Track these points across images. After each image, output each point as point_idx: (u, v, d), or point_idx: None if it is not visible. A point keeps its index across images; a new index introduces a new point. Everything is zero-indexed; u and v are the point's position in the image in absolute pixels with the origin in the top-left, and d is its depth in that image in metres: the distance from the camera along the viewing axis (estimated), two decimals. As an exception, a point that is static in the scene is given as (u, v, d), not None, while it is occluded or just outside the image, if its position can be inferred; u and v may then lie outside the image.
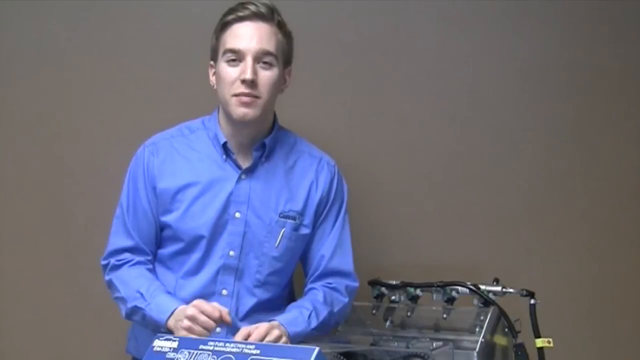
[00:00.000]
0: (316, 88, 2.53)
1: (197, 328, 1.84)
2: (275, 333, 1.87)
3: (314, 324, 2.01)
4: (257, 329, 1.86)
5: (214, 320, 1.85)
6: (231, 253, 2.03)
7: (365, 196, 2.51)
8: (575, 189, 2.62)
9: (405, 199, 2.56)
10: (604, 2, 2.62)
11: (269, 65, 1.98)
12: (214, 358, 1.75)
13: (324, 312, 2.04)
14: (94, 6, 2.47)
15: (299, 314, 1.99)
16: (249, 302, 2.06)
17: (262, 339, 1.84)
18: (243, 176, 2.05)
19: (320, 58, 2.52)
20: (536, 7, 2.60)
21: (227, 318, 1.87)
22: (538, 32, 2.61)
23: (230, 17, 1.99)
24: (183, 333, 1.85)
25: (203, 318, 1.84)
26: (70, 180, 2.46)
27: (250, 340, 1.83)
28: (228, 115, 2.01)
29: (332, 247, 2.11)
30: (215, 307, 1.86)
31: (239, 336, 1.85)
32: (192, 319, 1.85)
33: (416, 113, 2.58)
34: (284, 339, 1.90)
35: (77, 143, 2.47)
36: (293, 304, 2.06)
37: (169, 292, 1.99)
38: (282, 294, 2.13)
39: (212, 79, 2.05)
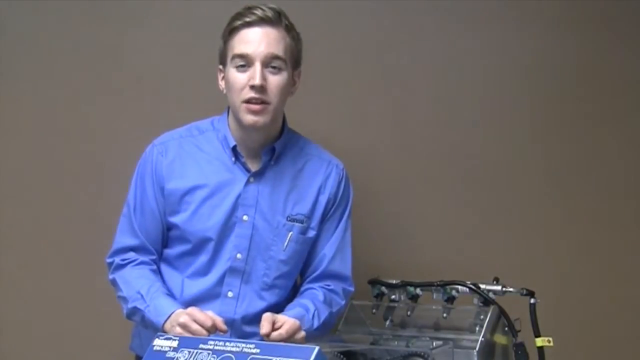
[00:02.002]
0: (316, 88, 2.52)
1: (189, 336, 1.82)
2: (302, 334, 1.88)
3: (316, 324, 2.01)
4: (289, 324, 1.85)
5: (207, 329, 1.83)
6: (238, 256, 2.03)
7: (366, 196, 2.50)
8: (576, 189, 2.62)
9: (405, 198, 2.56)
10: (604, 2, 2.62)
11: (277, 69, 1.98)
12: (214, 357, 1.75)
13: (325, 313, 2.05)
14: (95, 6, 2.47)
15: (305, 312, 1.99)
16: (257, 305, 2.05)
17: (292, 336, 1.84)
18: (251, 179, 2.04)
19: (319, 58, 2.51)
20: (536, 7, 2.61)
21: (222, 327, 1.86)
22: (538, 32, 2.62)
23: (238, 22, 1.98)
24: None
25: (195, 327, 1.83)
26: (71, 179, 2.46)
27: (281, 333, 1.82)
28: (239, 121, 2.01)
29: (334, 249, 2.11)
30: (208, 316, 1.85)
31: (265, 321, 1.83)
32: (184, 326, 1.84)
33: (416, 113, 2.58)
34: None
35: (78, 142, 2.47)
36: (294, 303, 2.05)
37: (169, 295, 1.98)
38: (288, 297, 2.13)
39: (221, 83, 2.05)
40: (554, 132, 2.62)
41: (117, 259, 2.05)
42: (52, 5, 2.47)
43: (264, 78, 1.95)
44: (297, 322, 1.88)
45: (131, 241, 2.05)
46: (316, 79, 2.52)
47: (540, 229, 2.59)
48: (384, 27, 2.57)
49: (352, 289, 2.15)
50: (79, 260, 2.43)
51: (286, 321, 1.86)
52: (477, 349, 2.02)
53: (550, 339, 2.12)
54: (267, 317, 1.85)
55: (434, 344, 2.02)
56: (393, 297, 2.27)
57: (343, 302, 2.13)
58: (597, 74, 2.64)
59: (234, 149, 2.04)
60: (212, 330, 1.84)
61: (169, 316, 1.89)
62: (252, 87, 1.95)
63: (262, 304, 2.06)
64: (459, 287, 2.18)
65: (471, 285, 2.16)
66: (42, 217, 2.46)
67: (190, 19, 2.48)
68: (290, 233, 2.05)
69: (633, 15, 2.65)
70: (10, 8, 2.46)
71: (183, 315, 1.85)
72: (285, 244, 2.05)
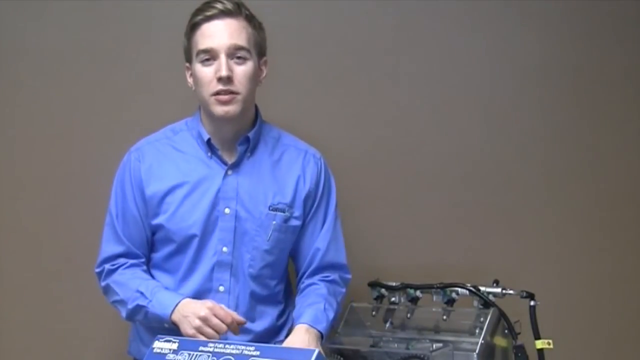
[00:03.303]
0: (316, 88, 2.52)
1: (208, 330, 1.86)
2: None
3: (331, 315, 2.03)
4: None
5: (227, 324, 1.87)
6: (224, 249, 2.04)
7: (365, 197, 2.51)
8: (575, 189, 2.62)
9: (405, 200, 2.55)
10: (605, 3, 2.62)
11: (242, 59, 1.99)
12: (214, 359, 1.75)
13: (334, 303, 2.06)
14: (92, 7, 2.47)
15: (316, 310, 2.00)
16: (246, 297, 2.06)
17: None
18: (229, 172, 2.05)
19: (317, 58, 2.52)
20: (536, 8, 2.60)
21: (240, 319, 1.91)
22: (538, 32, 2.61)
23: (199, 17, 2.00)
24: (191, 332, 1.87)
25: (215, 321, 1.87)
26: (70, 180, 2.46)
27: None
28: (210, 114, 2.02)
29: (327, 241, 2.12)
30: (228, 313, 1.89)
31: None
32: (204, 320, 1.87)
33: (416, 113, 2.57)
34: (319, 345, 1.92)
35: (77, 143, 2.47)
36: (302, 304, 2.05)
37: (167, 288, 2.01)
38: (278, 287, 2.13)
39: (190, 80, 2.06)
40: (553, 133, 2.62)
41: (107, 266, 2.06)
42: (50, 5, 2.46)
43: (230, 69, 1.97)
44: (306, 341, 1.90)
45: (117, 248, 2.06)
46: (317, 80, 2.52)
47: (540, 231, 2.59)
48: (380, 26, 2.57)
49: (349, 276, 2.17)
50: (75, 264, 2.42)
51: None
52: (477, 351, 2.02)
53: (550, 341, 2.12)
54: None
55: (434, 346, 2.03)
56: (393, 299, 2.27)
57: (344, 290, 2.15)
58: (597, 74, 2.63)
59: (208, 142, 2.05)
60: (232, 326, 1.88)
61: (175, 306, 1.92)
62: (220, 79, 1.96)
63: (252, 296, 2.06)
64: (459, 289, 2.18)
65: (471, 288, 2.16)
66: (39, 218, 2.45)
67: (184, 21, 2.47)
68: (274, 222, 2.06)
69: (633, 15, 2.64)
70: (10, 8, 2.45)
71: (203, 309, 1.88)
72: (269, 233, 2.06)
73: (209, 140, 2.04)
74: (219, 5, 1.98)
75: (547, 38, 2.61)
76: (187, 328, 1.88)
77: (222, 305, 1.91)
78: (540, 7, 2.60)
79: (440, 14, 2.57)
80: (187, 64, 2.06)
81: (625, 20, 2.64)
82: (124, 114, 2.47)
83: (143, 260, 2.07)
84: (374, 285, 2.30)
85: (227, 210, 2.03)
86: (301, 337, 1.92)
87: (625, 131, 2.64)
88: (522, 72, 2.60)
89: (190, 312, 1.89)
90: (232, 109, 1.98)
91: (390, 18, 2.56)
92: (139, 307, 1.97)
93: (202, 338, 1.86)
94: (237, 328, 1.90)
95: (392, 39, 2.57)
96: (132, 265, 2.05)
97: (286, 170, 2.09)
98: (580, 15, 2.62)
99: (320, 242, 2.12)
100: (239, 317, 1.91)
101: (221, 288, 2.04)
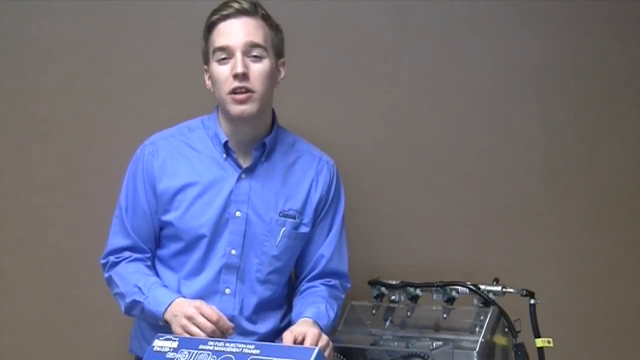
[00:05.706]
0: (316, 88, 2.53)
1: (194, 329, 1.85)
2: (325, 339, 1.88)
3: (332, 316, 2.03)
4: (310, 337, 1.84)
5: (213, 322, 1.86)
6: (233, 252, 2.04)
7: (365, 196, 2.51)
8: (575, 188, 2.62)
9: (405, 199, 2.56)
10: (605, 3, 2.62)
11: (259, 58, 1.99)
12: (213, 358, 1.76)
13: (334, 306, 2.07)
14: (93, 6, 2.47)
15: (318, 309, 2.00)
16: (252, 301, 2.06)
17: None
18: (243, 175, 2.05)
19: (319, 58, 2.52)
20: (536, 7, 2.60)
21: (228, 323, 1.89)
22: (538, 32, 2.61)
23: (215, 17, 2.00)
24: (179, 330, 1.87)
25: (201, 319, 1.86)
26: (71, 179, 2.46)
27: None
28: (227, 114, 2.02)
29: (332, 249, 2.12)
30: (214, 311, 1.88)
31: (286, 342, 1.84)
32: (190, 318, 1.86)
33: (416, 113, 2.58)
34: (330, 344, 1.90)
35: (78, 142, 2.47)
36: (303, 302, 2.05)
37: (166, 286, 2.00)
38: (282, 292, 2.14)
39: (208, 82, 2.06)
40: (553, 132, 2.62)
41: (112, 258, 2.06)
42: (50, 5, 2.47)
43: (245, 66, 1.96)
44: (314, 332, 1.87)
45: (124, 242, 2.06)
46: (318, 80, 2.52)
47: (540, 229, 2.59)
48: (382, 26, 2.57)
49: (349, 285, 2.17)
50: (76, 262, 2.42)
51: (307, 333, 1.86)
52: (477, 349, 2.02)
53: (550, 339, 2.12)
54: (287, 338, 1.86)
55: (434, 344, 2.03)
56: (393, 297, 2.27)
57: (343, 297, 2.16)
58: (597, 74, 2.63)
59: (225, 144, 2.05)
60: (220, 325, 1.86)
61: (169, 305, 1.92)
62: (236, 77, 1.96)
63: (255, 299, 2.06)
64: (459, 287, 2.18)
65: (471, 286, 2.17)
66: (40, 218, 2.46)
67: (187, 20, 2.47)
68: (283, 229, 2.06)
69: (633, 15, 2.65)
70: (10, 8, 2.45)
71: (190, 308, 1.88)
72: (278, 239, 2.06)
73: (226, 142, 2.04)
74: (235, 5, 1.98)
75: (547, 38, 2.62)
76: (176, 327, 1.88)
77: (213, 306, 1.90)
78: (540, 7, 2.60)
79: (439, 15, 2.58)
80: (205, 67, 2.05)
81: (625, 20, 2.65)
82: (124, 113, 2.47)
83: (148, 255, 2.07)
84: (374, 283, 2.31)
85: (238, 214, 2.03)
86: (310, 327, 1.90)
87: (625, 131, 2.65)
88: (522, 72, 2.61)
89: (179, 311, 1.89)
90: (248, 108, 1.98)
91: (390, 18, 2.57)
92: (135, 302, 1.97)
93: (187, 336, 1.85)
94: (227, 327, 1.88)
95: (391, 40, 2.58)
96: (136, 260, 2.05)
97: (299, 177, 2.10)
98: (580, 15, 2.62)
99: (325, 249, 2.12)
100: (227, 321, 1.89)
101: (227, 290, 2.04)
